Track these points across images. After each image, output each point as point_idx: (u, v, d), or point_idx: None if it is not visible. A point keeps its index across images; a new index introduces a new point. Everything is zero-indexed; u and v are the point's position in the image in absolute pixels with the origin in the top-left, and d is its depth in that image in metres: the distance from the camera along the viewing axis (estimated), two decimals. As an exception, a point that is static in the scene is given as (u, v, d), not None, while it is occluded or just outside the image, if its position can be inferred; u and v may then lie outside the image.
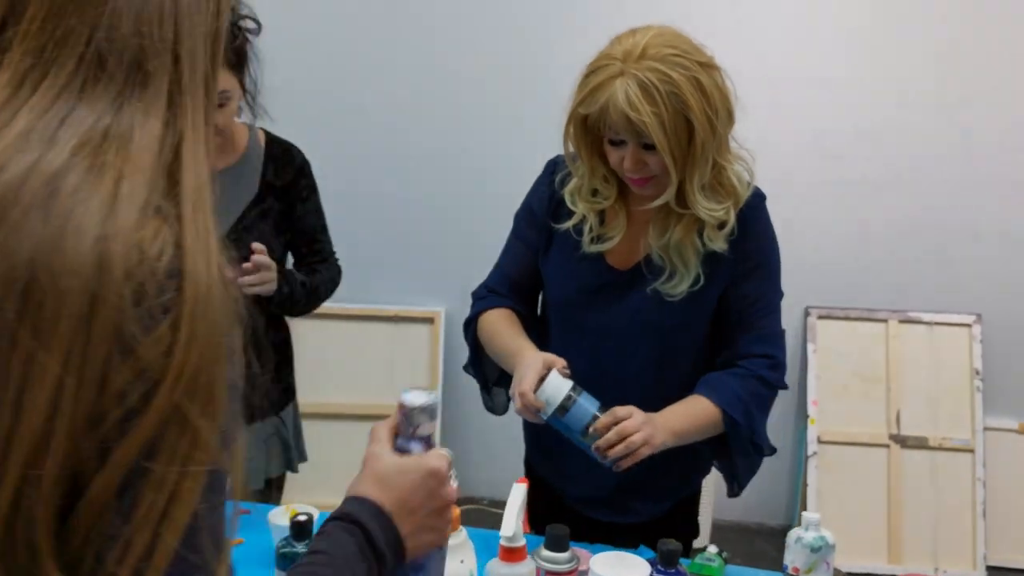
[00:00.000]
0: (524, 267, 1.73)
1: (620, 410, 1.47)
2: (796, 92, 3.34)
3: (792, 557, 1.44)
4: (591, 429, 1.47)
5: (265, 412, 2.04)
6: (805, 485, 3.37)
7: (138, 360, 0.62)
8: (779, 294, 1.70)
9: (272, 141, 2.03)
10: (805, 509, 3.35)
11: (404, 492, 0.86)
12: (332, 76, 3.48)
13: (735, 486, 1.73)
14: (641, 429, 1.45)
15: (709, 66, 1.46)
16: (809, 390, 3.41)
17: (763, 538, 3.56)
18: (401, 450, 0.89)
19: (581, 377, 1.57)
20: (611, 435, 1.45)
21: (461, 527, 1.09)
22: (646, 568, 1.28)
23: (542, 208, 1.68)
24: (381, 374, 3.49)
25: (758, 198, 1.63)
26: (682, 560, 1.55)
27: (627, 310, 1.62)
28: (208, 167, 0.71)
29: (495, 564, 1.06)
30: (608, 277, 1.63)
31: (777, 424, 3.53)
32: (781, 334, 1.69)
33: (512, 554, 1.06)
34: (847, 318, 3.47)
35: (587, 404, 1.49)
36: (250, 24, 1.83)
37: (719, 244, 1.56)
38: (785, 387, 1.69)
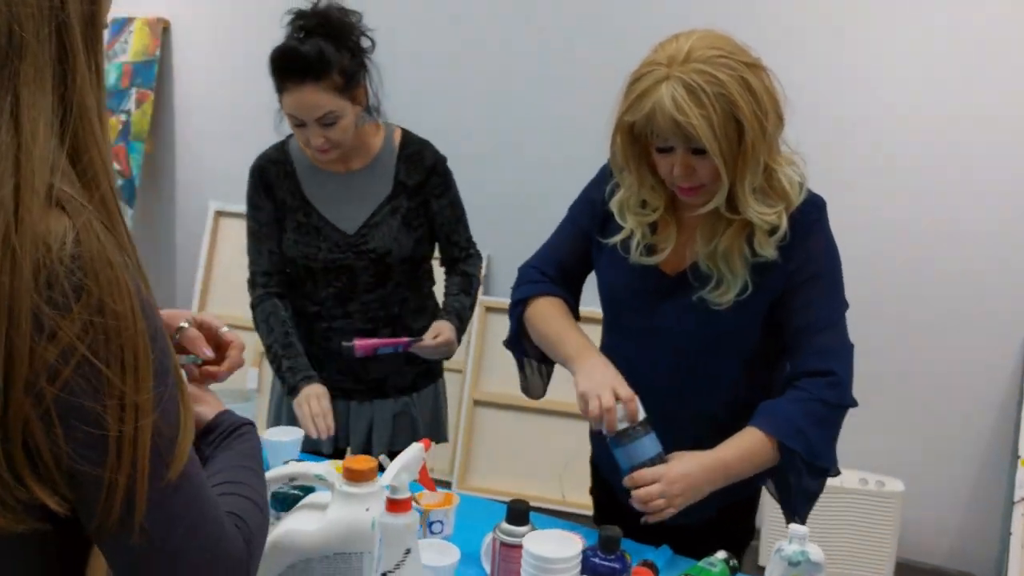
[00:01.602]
0: (576, 252, 1.75)
1: (643, 475, 1.47)
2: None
3: (771, 569, 1.38)
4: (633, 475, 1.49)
5: (378, 391, 2.20)
6: (1010, 533, 3.01)
7: (59, 340, 0.72)
8: (841, 305, 1.61)
9: (407, 141, 2.16)
10: (1007, 560, 2.99)
11: None
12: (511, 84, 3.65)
13: (794, 516, 1.65)
14: (663, 495, 1.46)
15: (755, 66, 1.43)
16: (1023, 427, 3.05)
17: (964, 587, 3.23)
18: None
19: (626, 376, 1.59)
20: (633, 500, 1.47)
21: (379, 477, 1.19)
22: (578, 547, 1.31)
23: (596, 211, 1.70)
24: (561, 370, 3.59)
25: (814, 205, 1.56)
26: (695, 561, 1.54)
27: (674, 315, 1.61)
28: (108, 142, 0.79)
29: (382, 514, 1.16)
30: (657, 281, 1.62)
31: (983, 462, 3.21)
32: (844, 349, 1.59)
33: (394, 505, 1.14)
34: (1078, 350, 3.06)
35: (648, 445, 1.49)
36: (365, 43, 1.99)
37: (769, 251, 1.51)
38: (852, 404, 1.59)
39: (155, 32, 4.19)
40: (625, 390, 1.51)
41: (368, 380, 2.18)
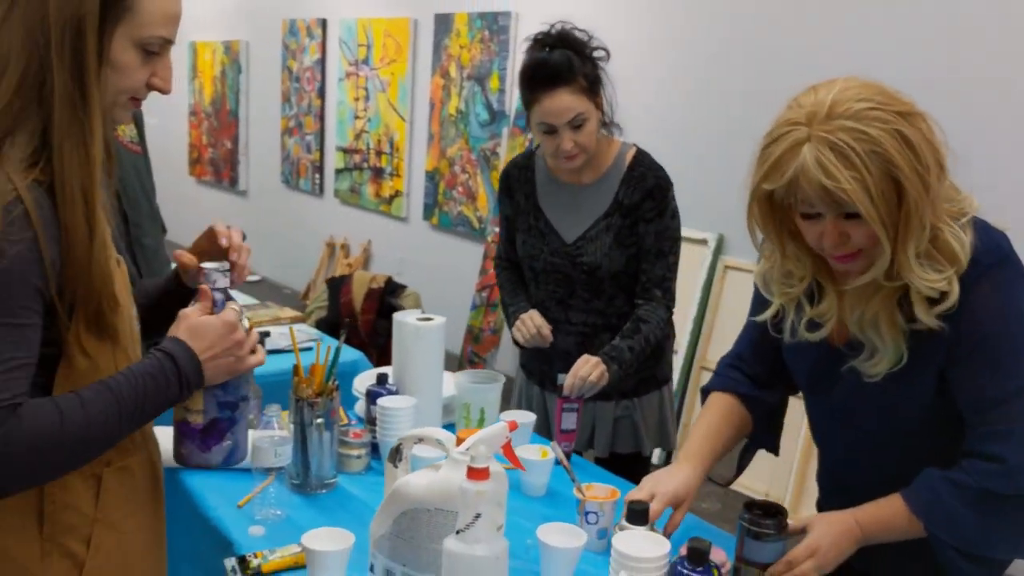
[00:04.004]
0: (762, 334, 1.62)
1: (796, 554, 1.41)
2: None
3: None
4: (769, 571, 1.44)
5: (601, 393, 2.18)
6: None
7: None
8: (1021, 377, 1.37)
9: (637, 163, 2.23)
10: None
11: (207, 337, 1.26)
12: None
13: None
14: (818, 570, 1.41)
15: (911, 114, 1.26)
16: None
17: None
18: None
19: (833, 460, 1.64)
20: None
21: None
22: (665, 547, 1.34)
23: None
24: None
25: (986, 253, 1.33)
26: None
27: (844, 391, 1.51)
28: (96, 148, 1.12)
29: (463, 480, 1.31)
30: (826, 354, 1.51)
31: None
32: (1020, 430, 1.37)
33: (471, 472, 1.29)
34: None
35: (777, 551, 1.44)
36: (600, 53, 2.15)
37: (929, 320, 1.34)
38: None
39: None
40: (660, 499, 1.52)
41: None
